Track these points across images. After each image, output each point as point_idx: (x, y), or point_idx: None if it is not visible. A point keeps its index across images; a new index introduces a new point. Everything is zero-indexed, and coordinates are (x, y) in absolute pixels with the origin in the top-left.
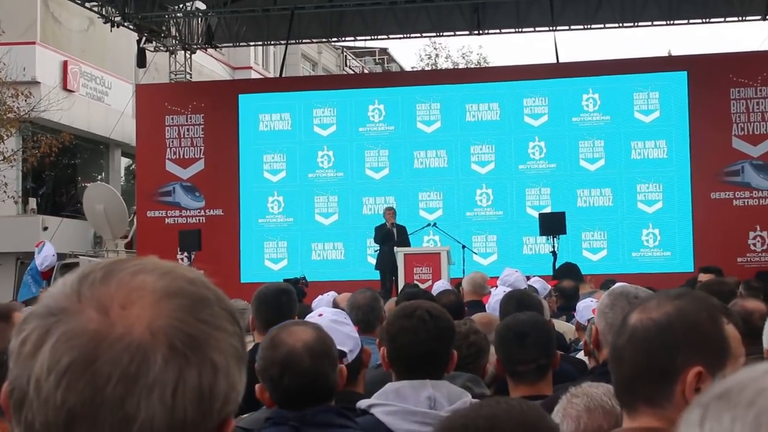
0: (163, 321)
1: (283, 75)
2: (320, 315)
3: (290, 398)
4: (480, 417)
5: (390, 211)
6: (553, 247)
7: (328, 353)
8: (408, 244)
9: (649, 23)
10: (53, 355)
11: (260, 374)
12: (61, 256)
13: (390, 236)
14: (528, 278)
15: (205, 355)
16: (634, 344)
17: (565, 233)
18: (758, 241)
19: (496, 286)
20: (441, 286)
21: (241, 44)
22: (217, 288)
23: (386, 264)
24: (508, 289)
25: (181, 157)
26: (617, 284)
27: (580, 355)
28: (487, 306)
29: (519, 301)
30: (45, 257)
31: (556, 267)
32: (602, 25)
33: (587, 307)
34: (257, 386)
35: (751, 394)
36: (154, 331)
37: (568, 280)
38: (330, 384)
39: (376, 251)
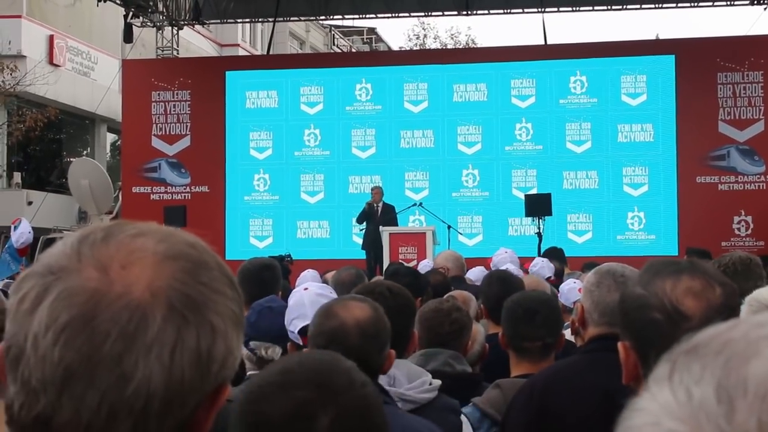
0: (163, 282)
1: (271, 53)
2: (305, 289)
3: None
4: (275, 373)
5: (376, 190)
6: (539, 228)
7: (379, 335)
8: (395, 223)
9: (638, 6)
10: (52, 312)
11: (310, 341)
12: (45, 231)
13: (372, 215)
14: None
15: (204, 317)
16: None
17: (550, 215)
18: (743, 226)
19: (489, 265)
20: (426, 265)
21: (228, 21)
22: (216, 254)
23: (369, 243)
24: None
25: (167, 133)
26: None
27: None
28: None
29: (502, 279)
30: (21, 234)
31: (541, 249)
32: (591, 8)
33: (571, 288)
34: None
35: (718, 344)
36: (154, 291)
37: (555, 262)
38: (373, 366)
39: (361, 230)
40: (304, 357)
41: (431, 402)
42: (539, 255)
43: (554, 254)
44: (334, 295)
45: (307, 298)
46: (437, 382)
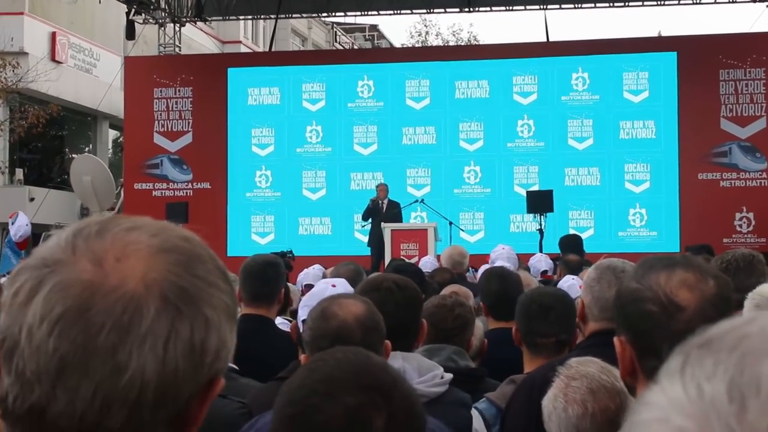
0: (157, 274)
1: (273, 50)
2: (333, 285)
3: None
4: (316, 381)
5: (381, 187)
6: (540, 225)
7: (378, 327)
8: (400, 219)
9: (640, 3)
10: (46, 303)
11: (308, 345)
12: (47, 228)
13: (377, 211)
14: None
15: (198, 309)
16: (699, 322)
17: (552, 211)
18: (744, 222)
19: (488, 262)
20: (428, 261)
21: (230, 18)
22: (209, 247)
23: (374, 240)
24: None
25: (169, 129)
26: (604, 259)
27: None
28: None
29: (500, 276)
30: (19, 227)
31: (542, 246)
32: (593, 5)
33: (571, 285)
34: (302, 356)
35: (733, 339)
36: (148, 284)
37: (575, 255)
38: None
39: (363, 227)
40: (338, 358)
41: (441, 396)
42: (540, 251)
43: (574, 243)
44: None
45: (329, 294)
46: (449, 376)
